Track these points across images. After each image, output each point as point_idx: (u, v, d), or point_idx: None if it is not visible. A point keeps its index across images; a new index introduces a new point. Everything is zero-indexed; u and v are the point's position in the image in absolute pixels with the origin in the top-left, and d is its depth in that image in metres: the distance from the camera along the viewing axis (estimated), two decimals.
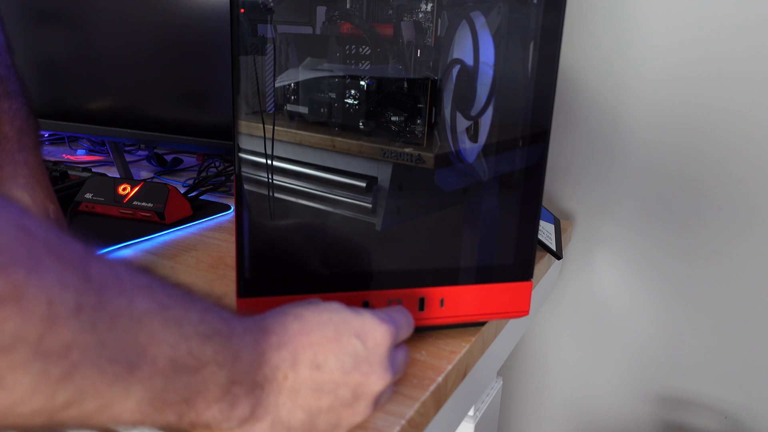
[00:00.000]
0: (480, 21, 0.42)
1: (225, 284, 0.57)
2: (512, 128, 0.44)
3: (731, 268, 0.76)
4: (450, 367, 0.44)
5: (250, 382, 0.32)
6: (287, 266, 0.43)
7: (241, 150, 0.41)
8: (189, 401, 0.29)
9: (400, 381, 0.42)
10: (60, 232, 0.25)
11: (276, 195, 0.42)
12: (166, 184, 0.75)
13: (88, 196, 0.76)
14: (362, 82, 0.42)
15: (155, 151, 1.11)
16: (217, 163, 1.04)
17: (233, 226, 0.42)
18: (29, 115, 0.53)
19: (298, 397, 0.34)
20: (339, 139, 0.43)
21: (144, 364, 0.26)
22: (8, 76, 0.52)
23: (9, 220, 0.22)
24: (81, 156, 1.19)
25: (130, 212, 0.74)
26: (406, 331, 0.40)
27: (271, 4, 0.39)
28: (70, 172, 0.87)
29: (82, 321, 0.23)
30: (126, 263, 0.28)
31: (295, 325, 0.35)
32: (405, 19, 0.42)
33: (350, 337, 0.35)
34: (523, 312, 0.48)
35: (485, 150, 0.45)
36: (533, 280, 0.48)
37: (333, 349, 0.34)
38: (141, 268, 0.29)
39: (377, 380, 0.36)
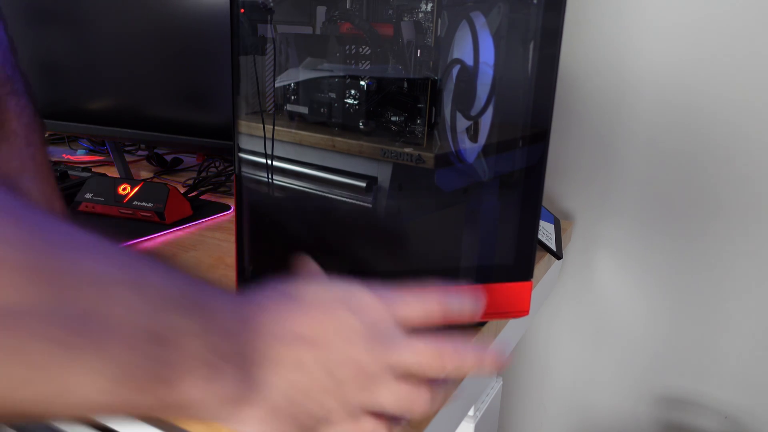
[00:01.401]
0: (480, 21, 0.42)
1: (225, 284, 0.57)
2: (512, 128, 0.44)
3: (731, 268, 0.76)
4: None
5: (237, 357, 0.28)
6: (287, 266, 0.43)
7: (241, 150, 0.41)
8: (163, 378, 0.25)
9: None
10: (18, 196, 0.23)
11: (276, 195, 0.42)
12: (166, 183, 0.75)
13: (88, 196, 0.76)
14: (362, 82, 0.42)
15: (155, 151, 1.11)
16: (218, 163, 1.04)
17: (233, 226, 0.42)
18: (35, 114, 0.53)
19: (289, 375, 0.31)
20: (339, 139, 0.43)
21: (106, 334, 0.23)
22: (14, 75, 0.52)
23: None
24: (81, 156, 1.19)
25: (130, 212, 0.74)
26: (414, 306, 0.35)
27: (271, 4, 0.39)
28: (70, 172, 0.87)
29: (31, 281, 0.21)
30: (93, 233, 0.25)
31: (288, 302, 0.32)
32: (405, 19, 0.42)
33: (339, 311, 0.33)
34: (523, 312, 0.48)
35: (485, 150, 0.45)
36: (533, 280, 0.48)
37: (322, 322, 0.32)
38: (110, 239, 0.26)
39: (373, 356, 0.33)
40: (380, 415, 0.34)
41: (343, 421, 0.33)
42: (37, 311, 0.21)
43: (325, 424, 0.33)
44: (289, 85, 0.42)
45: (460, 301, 0.36)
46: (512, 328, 0.61)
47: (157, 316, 0.25)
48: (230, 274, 0.59)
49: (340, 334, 0.32)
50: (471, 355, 0.35)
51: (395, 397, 0.33)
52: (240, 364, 0.29)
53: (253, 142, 0.41)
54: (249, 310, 0.31)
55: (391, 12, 0.41)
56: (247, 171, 0.41)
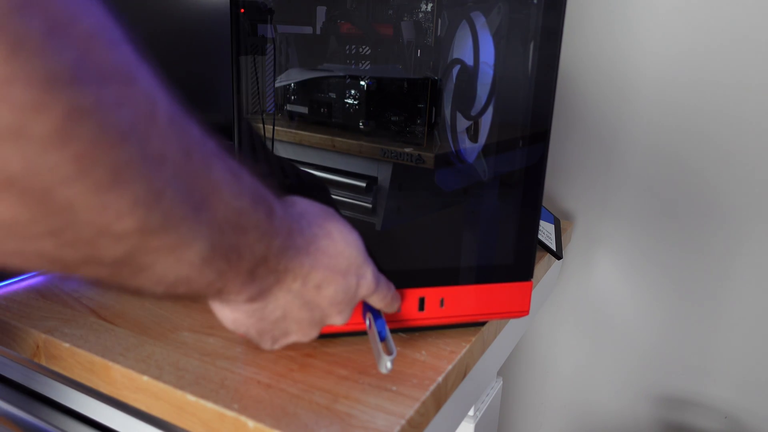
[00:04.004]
0: (480, 21, 0.42)
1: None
2: (512, 128, 0.44)
3: (731, 268, 0.76)
4: (450, 367, 0.44)
5: (272, 267, 0.33)
6: None
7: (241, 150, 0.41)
8: (231, 262, 0.29)
9: (400, 381, 0.42)
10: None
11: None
12: None
13: None
14: (362, 82, 0.42)
15: None
16: None
17: None
18: None
19: (289, 300, 0.36)
20: (339, 139, 0.43)
21: (206, 210, 0.26)
22: None
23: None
24: None
25: None
26: (383, 306, 0.42)
27: (271, 4, 0.39)
28: None
29: (172, 133, 0.24)
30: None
31: (323, 243, 0.36)
32: (405, 19, 0.42)
33: (353, 277, 0.38)
34: (523, 312, 0.48)
35: (485, 150, 0.45)
36: (533, 280, 0.48)
37: (337, 281, 0.37)
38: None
39: (338, 320, 0.39)
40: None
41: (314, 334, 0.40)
42: (175, 162, 0.24)
43: (284, 338, 0.39)
44: (289, 85, 0.42)
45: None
46: (512, 328, 0.61)
47: (242, 208, 0.29)
48: None
49: (338, 292, 0.37)
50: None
51: (383, 297, 0.41)
52: (272, 274, 0.33)
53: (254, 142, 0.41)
54: (294, 233, 0.34)
55: (391, 12, 0.41)
56: None
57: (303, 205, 0.37)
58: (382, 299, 0.41)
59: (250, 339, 0.39)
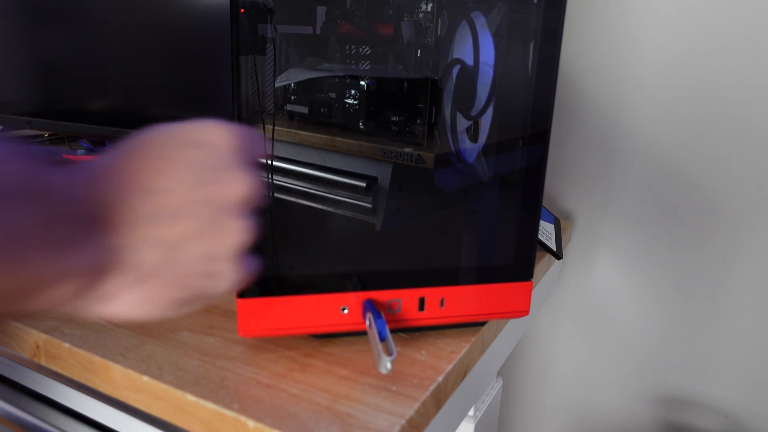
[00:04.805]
0: (480, 21, 0.42)
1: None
2: (512, 128, 0.44)
3: (731, 268, 0.76)
4: (450, 367, 0.44)
5: (83, 222, 0.26)
6: (287, 266, 0.43)
7: None
8: (9, 251, 0.24)
9: (400, 381, 0.42)
10: None
11: (276, 195, 0.42)
12: None
13: None
14: (362, 82, 0.42)
15: None
16: None
17: None
18: None
19: (149, 231, 0.29)
20: (339, 139, 0.43)
21: None
22: None
23: None
24: (81, 156, 1.19)
25: None
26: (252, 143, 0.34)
27: (271, 4, 0.39)
28: None
29: None
30: None
31: (121, 155, 0.30)
32: (405, 19, 0.42)
33: (184, 149, 0.30)
34: (523, 312, 0.48)
35: (485, 150, 0.45)
36: (533, 280, 0.48)
37: (168, 167, 0.30)
38: None
39: (233, 184, 0.31)
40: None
41: (234, 274, 0.31)
42: None
43: (210, 280, 0.31)
44: (289, 85, 0.42)
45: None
46: (512, 328, 0.61)
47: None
48: None
49: (182, 173, 0.30)
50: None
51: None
52: (89, 228, 0.27)
53: None
54: (83, 171, 0.28)
55: (391, 12, 0.41)
56: None
57: (125, 145, 0.30)
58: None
59: (180, 305, 0.31)
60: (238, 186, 0.31)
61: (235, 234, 0.31)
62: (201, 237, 0.30)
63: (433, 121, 0.43)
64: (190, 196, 0.30)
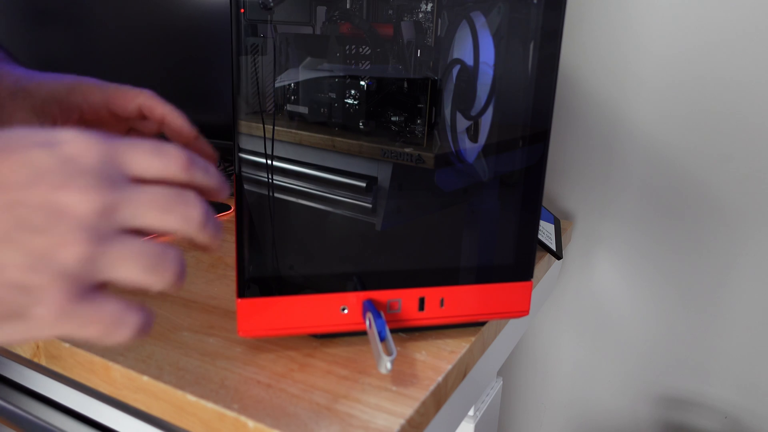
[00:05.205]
0: (480, 21, 0.42)
1: (225, 284, 0.57)
2: (512, 128, 0.44)
3: (732, 268, 0.76)
4: (450, 367, 0.44)
5: None
6: (287, 266, 0.43)
7: (241, 150, 0.41)
8: None
9: (400, 381, 0.42)
10: None
11: (276, 195, 0.42)
12: None
13: None
14: (362, 82, 0.42)
15: None
16: (218, 163, 1.04)
17: (233, 226, 0.42)
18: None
19: None
20: (339, 139, 0.43)
21: None
22: None
23: None
24: None
25: None
26: (148, 155, 0.29)
27: (271, 4, 0.39)
28: None
29: None
30: None
31: None
32: (405, 19, 0.42)
33: (31, 148, 0.27)
34: (523, 312, 0.48)
35: (485, 150, 0.45)
36: (533, 280, 0.48)
37: (5, 161, 0.26)
38: None
39: (78, 195, 0.26)
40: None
41: (60, 298, 0.26)
42: None
43: (24, 296, 0.25)
44: (289, 85, 0.42)
45: (207, 170, 0.31)
46: (512, 328, 0.61)
47: None
48: (230, 274, 0.59)
49: (19, 170, 0.26)
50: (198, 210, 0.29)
51: (132, 254, 0.27)
52: None
53: (253, 143, 0.41)
54: None
55: (391, 12, 0.41)
56: (247, 171, 0.41)
57: None
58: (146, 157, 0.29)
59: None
60: (85, 198, 0.26)
61: (71, 248, 0.26)
62: (21, 242, 0.25)
63: (433, 121, 0.43)
64: (18, 196, 0.25)
